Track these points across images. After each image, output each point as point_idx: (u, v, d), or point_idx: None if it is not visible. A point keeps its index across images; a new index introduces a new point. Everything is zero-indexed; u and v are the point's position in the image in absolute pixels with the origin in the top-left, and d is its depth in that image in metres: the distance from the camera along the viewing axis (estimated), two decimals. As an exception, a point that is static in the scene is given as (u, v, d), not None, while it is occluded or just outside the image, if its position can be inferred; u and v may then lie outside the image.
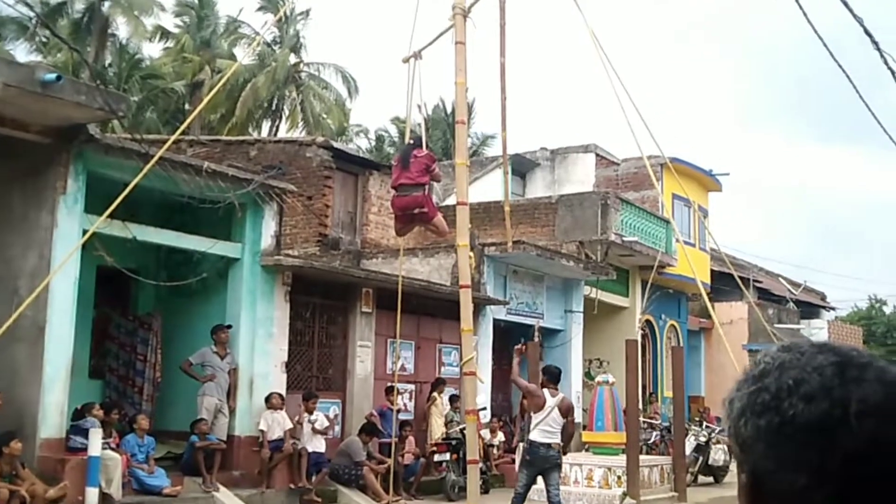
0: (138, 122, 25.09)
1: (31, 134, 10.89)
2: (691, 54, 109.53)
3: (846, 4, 8.79)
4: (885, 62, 9.54)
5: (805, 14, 8.89)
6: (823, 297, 40.22)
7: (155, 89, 30.05)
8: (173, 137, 10.71)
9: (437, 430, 15.64)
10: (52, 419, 11.10)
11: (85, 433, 10.91)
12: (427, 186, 8.86)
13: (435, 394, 16.00)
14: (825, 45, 9.28)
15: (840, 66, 9.57)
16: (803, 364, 1.05)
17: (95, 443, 10.66)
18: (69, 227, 11.13)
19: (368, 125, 39.99)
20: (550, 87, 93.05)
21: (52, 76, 9.95)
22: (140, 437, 11.96)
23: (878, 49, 9.36)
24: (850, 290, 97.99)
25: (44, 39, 29.99)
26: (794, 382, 1.04)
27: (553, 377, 11.36)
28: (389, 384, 14.78)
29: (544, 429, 10.74)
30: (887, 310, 49.10)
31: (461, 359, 9.16)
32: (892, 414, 1.02)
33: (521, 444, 17.86)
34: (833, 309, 41.28)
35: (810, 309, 36.21)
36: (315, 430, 13.59)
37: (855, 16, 8.95)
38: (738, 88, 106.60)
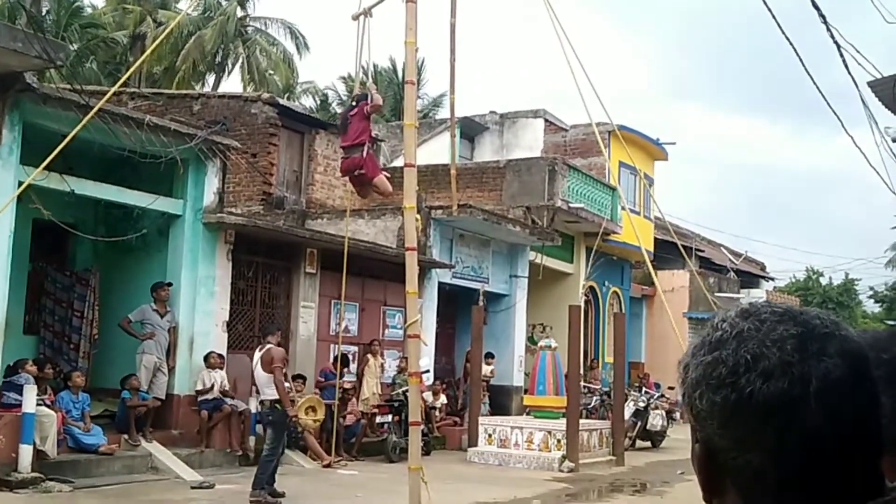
0: (77, 73, 24.30)
1: (-36, 81, 10.51)
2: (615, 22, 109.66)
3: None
4: (832, 36, 9.61)
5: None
6: (763, 268, 40.99)
7: (95, 39, 29.16)
8: (114, 89, 10.45)
9: (369, 390, 15.60)
10: (-16, 375, 10.84)
11: (19, 389, 10.67)
12: (366, 146, 8.88)
13: (368, 355, 15.95)
14: (775, 18, 9.31)
15: (790, 42, 9.63)
16: (762, 336, 1.00)
17: (30, 399, 10.44)
18: (4, 179, 10.79)
19: (316, 83, 39.21)
20: (501, 50, 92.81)
21: (-14, 21, 9.58)
22: (75, 394, 11.73)
23: (825, 22, 9.43)
24: (789, 261, 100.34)
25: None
26: (752, 357, 0.98)
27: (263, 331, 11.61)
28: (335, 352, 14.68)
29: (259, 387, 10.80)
30: (823, 281, 50.34)
31: (405, 321, 9.13)
32: (853, 390, 0.97)
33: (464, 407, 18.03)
34: (772, 279, 42.11)
35: (750, 279, 36.87)
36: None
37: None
38: (665, 60, 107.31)
